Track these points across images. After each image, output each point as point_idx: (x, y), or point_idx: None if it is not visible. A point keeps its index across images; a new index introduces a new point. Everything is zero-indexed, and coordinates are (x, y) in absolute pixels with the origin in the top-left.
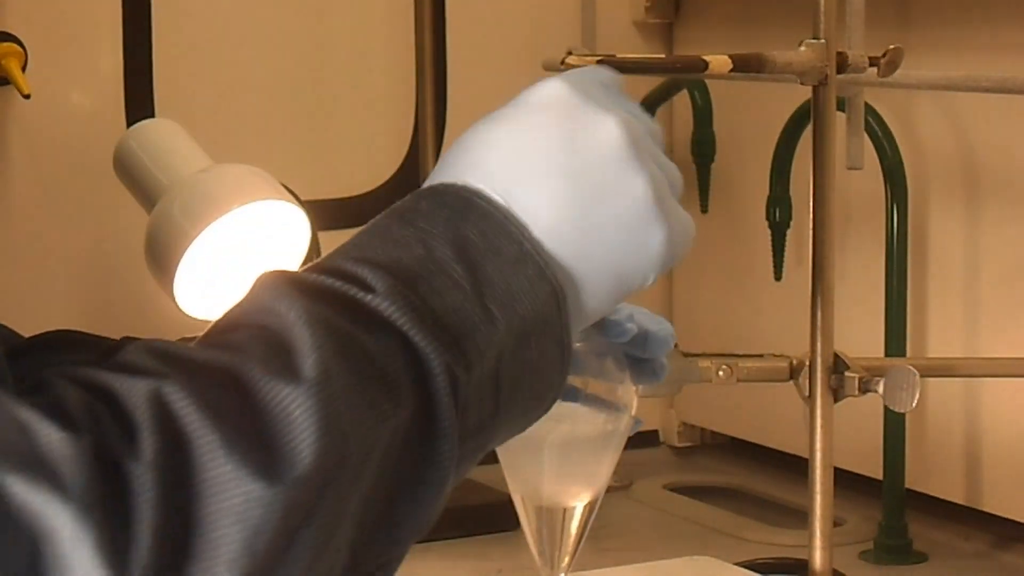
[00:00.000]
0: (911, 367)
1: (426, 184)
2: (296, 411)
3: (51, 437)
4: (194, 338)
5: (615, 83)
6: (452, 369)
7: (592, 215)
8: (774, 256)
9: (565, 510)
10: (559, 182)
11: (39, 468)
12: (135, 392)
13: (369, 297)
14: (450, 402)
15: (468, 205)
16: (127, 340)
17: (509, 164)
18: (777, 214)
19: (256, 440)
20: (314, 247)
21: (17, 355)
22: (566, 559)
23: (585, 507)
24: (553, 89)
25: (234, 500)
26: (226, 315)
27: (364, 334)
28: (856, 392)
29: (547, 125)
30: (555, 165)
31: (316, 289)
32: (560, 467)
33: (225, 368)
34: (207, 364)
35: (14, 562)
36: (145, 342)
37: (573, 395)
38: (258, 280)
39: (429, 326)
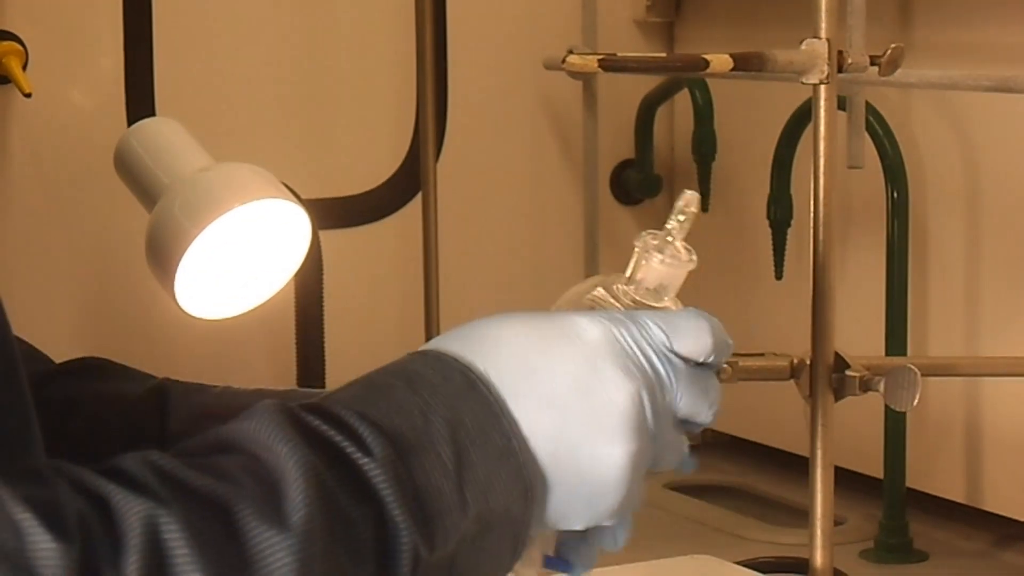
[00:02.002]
0: (912, 366)
1: (436, 346)
2: (278, 561)
3: (43, 546)
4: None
5: (663, 340)
6: (418, 548)
7: (572, 460)
8: (775, 255)
9: None
10: (556, 417)
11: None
12: (131, 512)
13: (364, 460)
14: None
15: (470, 387)
16: (167, 382)
17: (520, 375)
18: (778, 213)
19: None
20: (315, 246)
21: (48, 380)
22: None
23: None
24: (595, 333)
25: None
26: (225, 430)
27: (349, 496)
28: (857, 391)
29: (572, 363)
30: (560, 401)
31: (316, 437)
32: None
33: (219, 503)
34: (202, 495)
35: None
36: (145, 454)
37: None
38: (261, 406)
39: (409, 502)
